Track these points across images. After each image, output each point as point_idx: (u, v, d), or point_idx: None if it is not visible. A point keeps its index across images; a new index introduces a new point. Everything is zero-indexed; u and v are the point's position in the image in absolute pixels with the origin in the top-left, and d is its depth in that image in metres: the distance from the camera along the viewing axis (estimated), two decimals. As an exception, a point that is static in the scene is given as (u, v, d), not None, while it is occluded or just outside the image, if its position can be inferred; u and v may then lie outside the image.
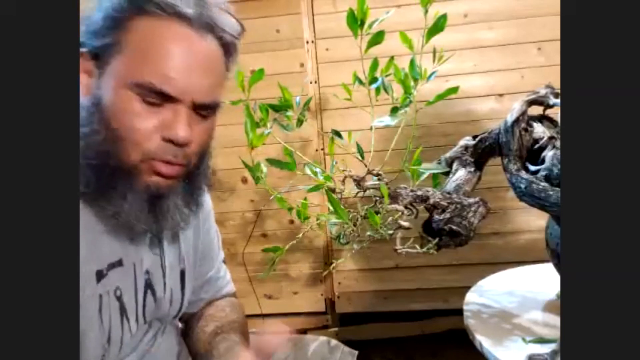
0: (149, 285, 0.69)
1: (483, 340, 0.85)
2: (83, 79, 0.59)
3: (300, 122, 1.01)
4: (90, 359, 0.61)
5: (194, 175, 0.64)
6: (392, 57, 0.98)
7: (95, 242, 0.61)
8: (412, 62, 0.95)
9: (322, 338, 0.87)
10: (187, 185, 0.64)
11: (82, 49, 0.59)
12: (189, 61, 0.57)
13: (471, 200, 0.85)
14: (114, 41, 0.57)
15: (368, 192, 0.90)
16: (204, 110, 0.61)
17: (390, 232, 0.84)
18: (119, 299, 0.64)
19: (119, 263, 0.64)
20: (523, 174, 0.82)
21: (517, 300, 1.00)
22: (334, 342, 0.87)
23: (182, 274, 0.74)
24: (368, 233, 0.89)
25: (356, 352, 0.86)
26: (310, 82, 1.67)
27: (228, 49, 0.64)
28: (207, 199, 0.81)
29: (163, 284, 0.71)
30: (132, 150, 0.57)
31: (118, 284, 0.64)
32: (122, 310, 0.65)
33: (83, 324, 0.60)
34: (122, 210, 0.58)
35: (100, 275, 0.62)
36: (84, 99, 0.58)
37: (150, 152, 0.57)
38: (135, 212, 0.59)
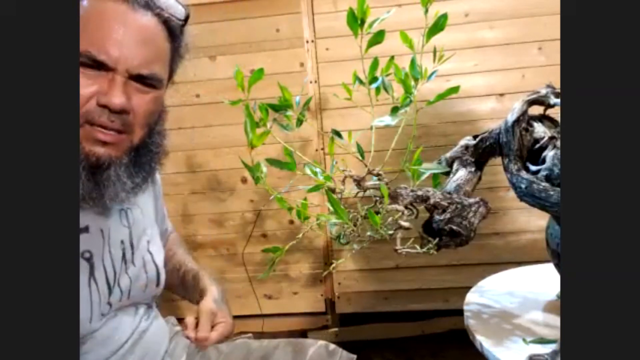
0: (124, 256, 0.75)
1: (483, 341, 0.84)
2: None
3: (300, 122, 1.01)
4: None
5: (140, 150, 0.70)
6: (392, 57, 0.98)
7: None
8: (412, 62, 0.94)
9: (321, 342, 0.87)
10: (133, 159, 0.69)
11: None
12: (123, 33, 0.63)
13: (471, 200, 0.84)
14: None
15: (368, 192, 0.90)
16: (142, 81, 0.66)
17: (391, 232, 0.84)
18: (88, 260, 0.70)
19: (86, 229, 0.70)
20: (524, 174, 0.82)
21: (518, 300, 0.99)
22: (332, 346, 0.87)
23: (148, 243, 0.81)
24: (368, 233, 0.89)
25: (354, 356, 0.86)
26: (310, 82, 1.67)
27: (172, 30, 0.69)
28: (158, 178, 0.92)
29: (133, 254, 0.77)
30: None
31: (87, 248, 0.70)
32: (91, 271, 0.70)
33: None
34: None
35: None
36: None
37: (86, 115, 0.62)
38: None
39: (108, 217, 0.73)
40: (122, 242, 0.75)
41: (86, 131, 0.63)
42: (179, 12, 0.69)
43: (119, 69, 0.63)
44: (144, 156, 0.70)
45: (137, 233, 0.78)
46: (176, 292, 0.96)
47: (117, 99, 0.62)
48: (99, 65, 0.62)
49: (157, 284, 0.81)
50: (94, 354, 0.71)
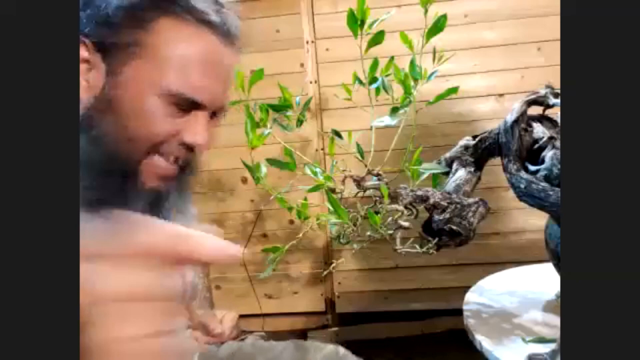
0: None
1: (483, 340, 0.85)
2: (83, 68, 0.55)
3: (300, 122, 1.02)
4: None
5: (184, 176, 0.65)
6: (392, 57, 0.98)
7: None
8: (412, 62, 0.95)
9: (330, 347, 0.85)
10: (178, 185, 0.65)
11: (85, 39, 0.54)
12: (217, 71, 0.58)
13: (471, 200, 0.85)
14: (134, 41, 0.54)
15: (368, 192, 0.90)
16: (216, 115, 0.62)
17: (390, 232, 0.84)
18: None
19: None
20: (523, 174, 0.82)
21: (517, 300, 1.00)
22: (342, 350, 0.85)
23: None
24: (368, 233, 0.89)
25: None
26: (310, 82, 1.67)
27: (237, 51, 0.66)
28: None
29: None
30: (142, 151, 0.56)
31: None
32: None
33: None
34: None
35: None
36: (90, 96, 0.55)
37: (156, 147, 0.56)
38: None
39: None
40: None
41: (150, 168, 0.57)
42: (239, 29, 0.64)
43: (207, 108, 0.58)
44: (186, 180, 0.66)
45: None
46: None
47: (201, 139, 0.58)
48: (189, 105, 0.56)
49: (192, 299, 0.82)
50: None
